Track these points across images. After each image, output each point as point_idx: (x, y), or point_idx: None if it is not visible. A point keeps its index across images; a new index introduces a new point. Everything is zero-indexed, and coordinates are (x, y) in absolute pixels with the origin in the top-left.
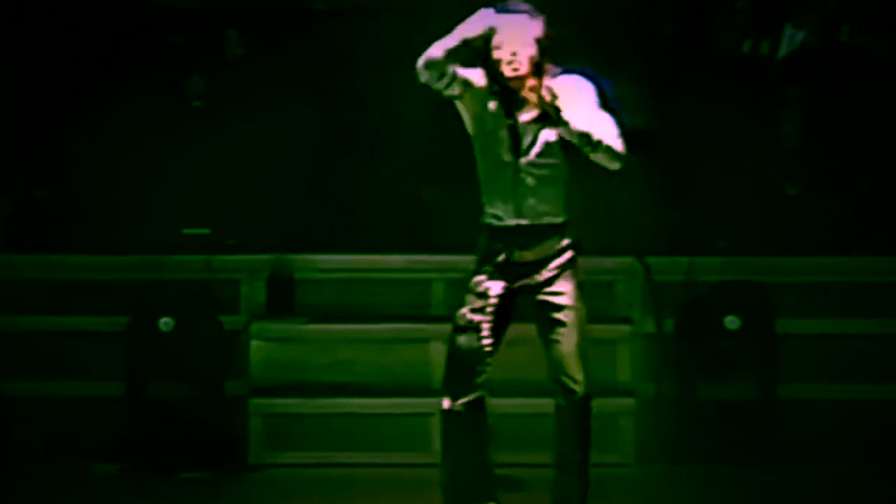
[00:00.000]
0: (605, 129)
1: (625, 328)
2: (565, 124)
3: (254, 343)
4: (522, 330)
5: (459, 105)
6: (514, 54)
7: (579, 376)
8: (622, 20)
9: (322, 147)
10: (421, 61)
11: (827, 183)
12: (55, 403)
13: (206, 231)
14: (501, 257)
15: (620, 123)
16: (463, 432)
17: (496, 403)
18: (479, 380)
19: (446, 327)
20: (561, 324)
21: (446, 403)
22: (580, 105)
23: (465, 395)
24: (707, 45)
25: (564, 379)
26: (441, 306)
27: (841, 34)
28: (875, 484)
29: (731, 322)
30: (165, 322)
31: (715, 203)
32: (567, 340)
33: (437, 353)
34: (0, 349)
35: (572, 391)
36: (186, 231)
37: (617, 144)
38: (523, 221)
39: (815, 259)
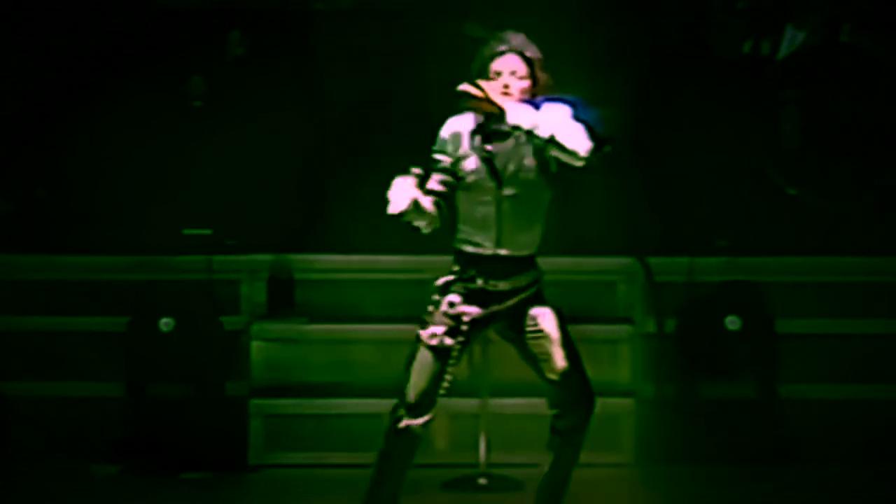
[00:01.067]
0: (563, 128)
1: (625, 328)
2: (514, 124)
3: (254, 343)
4: None
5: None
6: (506, 87)
7: (586, 390)
8: (622, 20)
9: (322, 147)
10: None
11: (827, 183)
12: (55, 403)
13: (206, 231)
14: (477, 284)
15: (591, 129)
16: (410, 450)
17: (496, 403)
18: (438, 401)
19: None
20: (547, 340)
21: (405, 422)
22: (547, 113)
23: (424, 415)
24: (707, 45)
25: (572, 395)
26: None
27: (841, 34)
28: (875, 484)
29: (732, 322)
30: (166, 322)
31: (715, 203)
32: (560, 355)
33: None
34: (0, 349)
35: (581, 406)
36: (187, 231)
37: (574, 142)
38: (502, 252)
39: (815, 259)
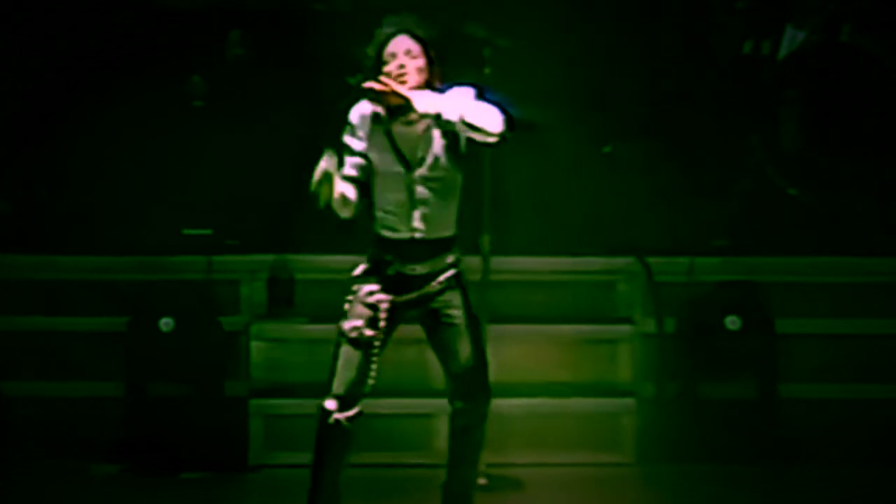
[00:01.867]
0: (471, 108)
1: (625, 328)
2: (423, 112)
3: (254, 344)
4: (515, 331)
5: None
6: (401, 67)
7: (485, 386)
8: (622, 20)
9: (322, 147)
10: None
11: (827, 183)
12: (55, 403)
13: (206, 231)
14: (392, 269)
15: (500, 108)
16: (343, 444)
17: (496, 403)
18: (366, 393)
19: None
20: (458, 333)
21: (335, 417)
22: (453, 97)
23: (352, 408)
24: (707, 45)
25: (471, 388)
26: None
27: (841, 34)
28: (875, 484)
29: (732, 322)
30: (165, 322)
31: (715, 203)
32: (467, 349)
33: None
34: (0, 349)
35: (479, 401)
36: (187, 231)
37: (485, 120)
38: (416, 235)
39: (815, 259)
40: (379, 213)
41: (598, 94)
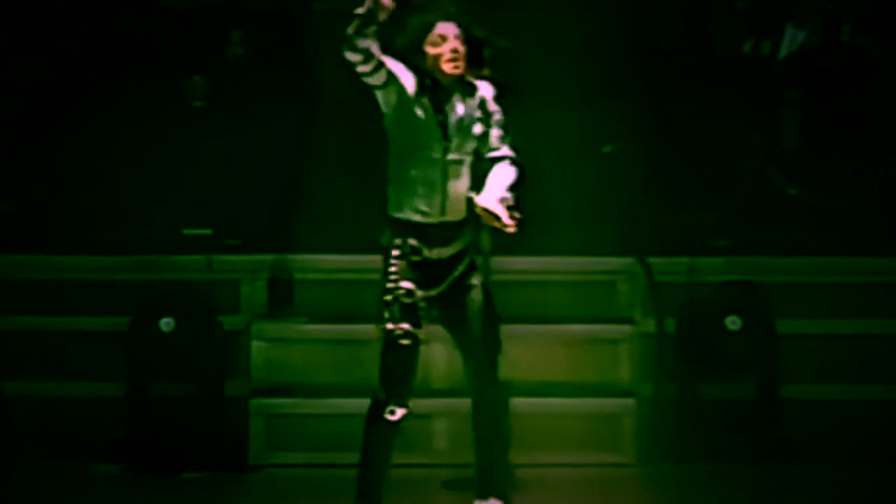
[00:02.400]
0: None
1: (626, 328)
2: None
3: (254, 343)
4: (515, 331)
5: (380, 96)
6: (455, 51)
7: (496, 369)
8: (623, 20)
9: (323, 147)
10: (346, 41)
11: (827, 183)
12: (55, 403)
13: (207, 231)
14: (419, 255)
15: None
16: (391, 443)
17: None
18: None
19: None
20: (478, 318)
21: (398, 414)
22: (495, 126)
23: (405, 406)
24: (708, 45)
25: (487, 370)
26: None
27: (841, 34)
28: (875, 484)
29: (732, 322)
30: (166, 322)
31: (715, 203)
32: (484, 333)
33: (437, 353)
34: (0, 349)
35: (493, 381)
36: (187, 231)
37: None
38: (447, 218)
39: (815, 259)
40: (404, 194)
41: (599, 94)
